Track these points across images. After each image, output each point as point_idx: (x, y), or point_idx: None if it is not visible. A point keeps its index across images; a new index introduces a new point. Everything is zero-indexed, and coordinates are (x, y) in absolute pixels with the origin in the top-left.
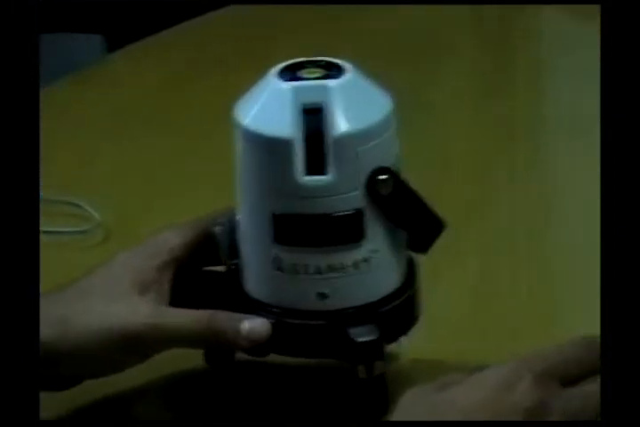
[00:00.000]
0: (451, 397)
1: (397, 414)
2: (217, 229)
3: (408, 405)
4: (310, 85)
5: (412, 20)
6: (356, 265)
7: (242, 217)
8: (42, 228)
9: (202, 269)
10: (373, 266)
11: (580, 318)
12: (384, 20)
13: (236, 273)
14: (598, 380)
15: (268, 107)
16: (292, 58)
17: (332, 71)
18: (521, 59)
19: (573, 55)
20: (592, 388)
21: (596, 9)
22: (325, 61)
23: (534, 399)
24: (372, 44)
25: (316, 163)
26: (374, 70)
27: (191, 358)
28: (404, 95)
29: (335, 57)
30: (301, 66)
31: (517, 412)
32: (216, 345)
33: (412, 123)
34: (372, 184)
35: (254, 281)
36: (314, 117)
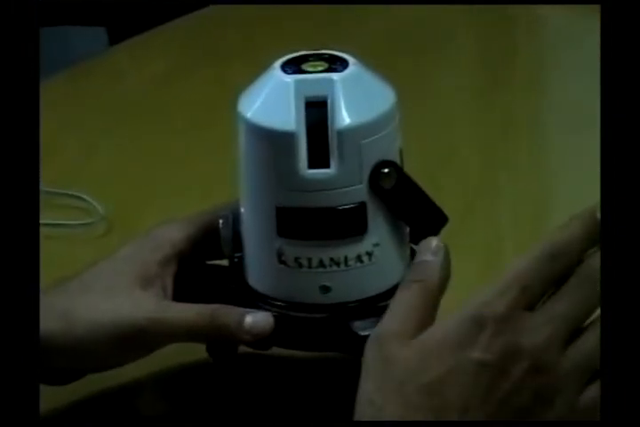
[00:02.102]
0: (415, 366)
1: (366, 375)
2: (220, 222)
3: (370, 357)
4: (314, 78)
5: (415, 15)
6: (359, 258)
7: (245, 210)
8: (45, 220)
9: (205, 263)
10: (376, 259)
11: None
12: (386, 16)
13: (239, 267)
14: (561, 294)
15: (272, 100)
16: (294, 51)
17: (336, 64)
18: (523, 52)
19: (575, 49)
20: (560, 308)
21: (596, 5)
22: (329, 54)
23: (498, 349)
24: (374, 38)
25: (319, 156)
26: (377, 64)
27: (194, 352)
28: (406, 88)
29: (338, 50)
30: (305, 59)
31: (482, 370)
32: (219, 339)
33: (415, 116)
34: (375, 177)
35: (257, 274)
36: (317, 110)
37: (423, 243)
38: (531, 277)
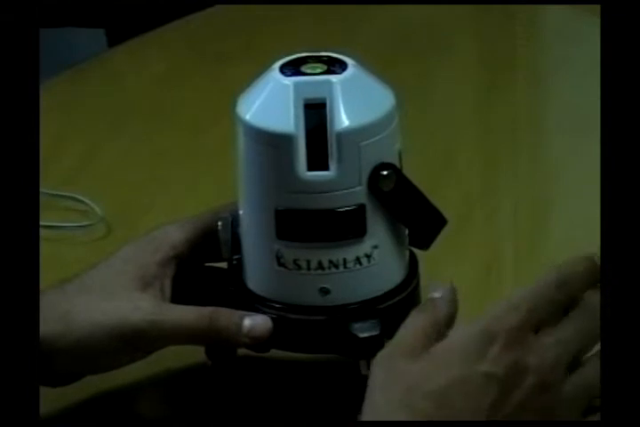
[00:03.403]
0: (421, 376)
1: (372, 388)
2: (219, 224)
3: (380, 377)
4: (313, 81)
5: (414, 16)
6: (358, 261)
7: (244, 212)
8: (44, 222)
9: (203, 265)
10: (375, 261)
11: None
12: (387, 17)
13: (237, 269)
14: (570, 320)
15: (271, 102)
16: (294, 53)
17: (335, 66)
18: (523, 53)
19: (575, 49)
20: (565, 334)
21: (596, 5)
22: (328, 57)
23: (507, 363)
24: (374, 39)
25: (318, 158)
26: (378, 65)
27: (192, 354)
28: (407, 90)
29: (337, 52)
30: (304, 61)
31: (490, 382)
32: (217, 342)
33: (415, 118)
34: (374, 180)
35: (256, 277)
36: (316, 113)
37: (431, 284)
38: (537, 301)
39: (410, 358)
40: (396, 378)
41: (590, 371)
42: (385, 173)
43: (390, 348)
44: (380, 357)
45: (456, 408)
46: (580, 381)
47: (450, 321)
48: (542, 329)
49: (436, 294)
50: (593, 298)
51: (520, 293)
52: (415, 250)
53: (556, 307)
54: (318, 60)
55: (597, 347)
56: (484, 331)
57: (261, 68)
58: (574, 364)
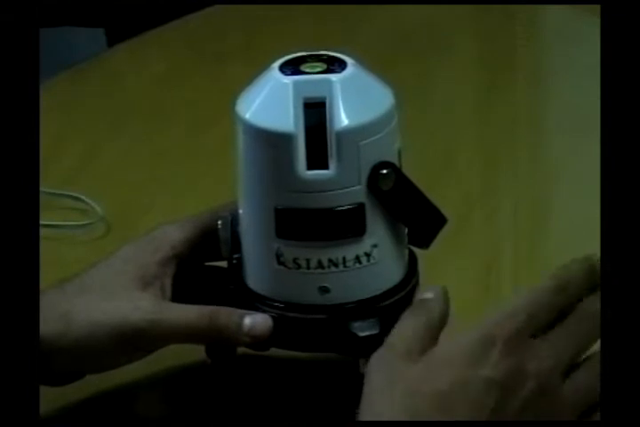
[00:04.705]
0: (422, 379)
1: (369, 391)
2: (219, 223)
3: (378, 380)
4: (312, 80)
5: (414, 16)
6: (357, 259)
7: (243, 211)
8: (44, 221)
9: (203, 265)
10: (375, 260)
11: None
12: (387, 17)
13: (237, 268)
14: (567, 325)
15: (270, 101)
16: (294, 52)
17: (334, 65)
18: (523, 53)
19: (575, 49)
20: (562, 336)
21: (596, 5)
22: (327, 55)
23: (507, 367)
24: (374, 39)
25: (317, 157)
26: (377, 65)
27: (192, 352)
28: (406, 89)
29: (337, 51)
30: (303, 60)
31: (491, 386)
32: (218, 341)
33: (415, 117)
34: (373, 179)
35: (256, 276)
36: (315, 112)
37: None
38: (536, 307)
39: (408, 361)
40: (394, 380)
41: (587, 375)
42: (384, 172)
43: (385, 350)
44: (376, 359)
45: (457, 412)
46: (577, 385)
47: (443, 322)
48: (540, 334)
49: (428, 295)
50: (591, 302)
51: (518, 299)
52: (414, 249)
53: (554, 312)
54: (318, 59)
55: (593, 349)
56: (483, 336)
57: (261, 68)
58: (571, 368)
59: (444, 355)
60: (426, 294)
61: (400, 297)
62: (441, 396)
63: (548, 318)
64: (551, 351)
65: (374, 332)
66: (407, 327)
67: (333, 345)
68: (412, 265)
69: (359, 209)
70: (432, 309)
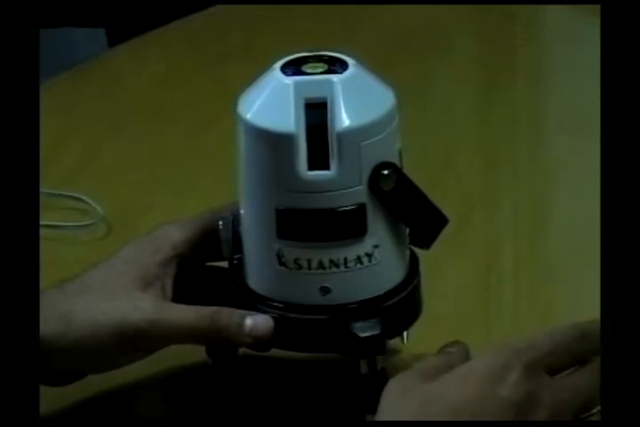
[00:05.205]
0: (440, 390)
1: (385, 404)
2: (220, 224)
3: (395, 394)
4: (313, 80)
5: (414, 16)
6: (358, 260)
7: (244, 212)
8: (45, 222)
9: (204, 265)
10: (376, 261)
11: (584, 311)
12: (387, 17)
13: (238, 268)
14: (586, 370)
15: (271, 101)
16: (294, 53)
17: (335, 66)
18: (523, 53)
19: (575, 49)
20: (579, 379)
21: (596, 5)
22: (328, 56)
23: (524, 392)
24: (375, 39)
25: (319, 158)
26: (378, 65)
27: (193, 353)
28: (407, 90)
29: (338, 52)
30: (305, 60)
31: (507, 406)
32: (219, 341)
33: (416, 117)
34: (374, 179)
35: (257, 276)
36: (317, 112)
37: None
38: (556, 347)
39: (425, 378)
40: (410, 394)
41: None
42: (385, 172)
43: (404, 373)
44: (394, 381)
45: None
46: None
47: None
48: (556, 374)
49: (451, 349)
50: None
51: (542, 335)
52: (415, 249)
53: (572, 358)
54: (319, 59)
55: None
56: (503, 360)
57: (262, 68)
58: (581, 411)
59: (463, 373)
60: (449, 348)
61: (401, 298)
62: (455, 409)
63: (567, 361)
64: (567, 389)
65: (375, 332)
66: (427, 360)
67: (334, 346)
68: (413, 265)
69: (360, 209)
70: (453, 355)
